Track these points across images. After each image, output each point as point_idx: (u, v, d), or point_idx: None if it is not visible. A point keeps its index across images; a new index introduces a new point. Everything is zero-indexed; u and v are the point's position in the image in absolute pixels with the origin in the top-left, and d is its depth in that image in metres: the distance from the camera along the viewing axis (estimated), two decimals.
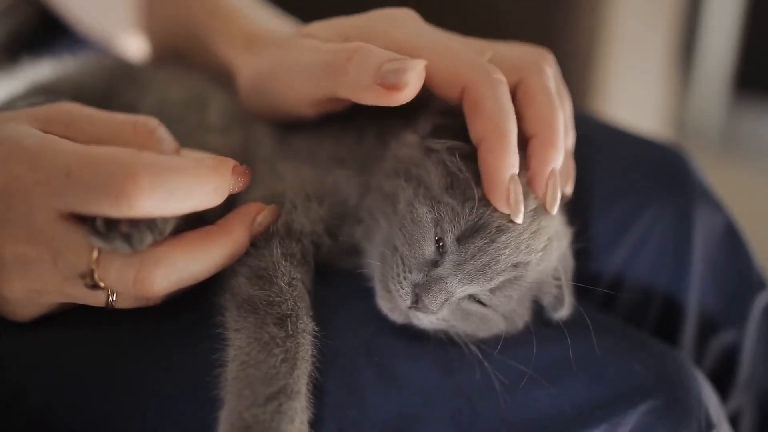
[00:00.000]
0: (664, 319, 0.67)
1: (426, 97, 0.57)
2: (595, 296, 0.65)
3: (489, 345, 0.53)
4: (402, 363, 0.52)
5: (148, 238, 0.47)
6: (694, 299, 0.66)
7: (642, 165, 0.68)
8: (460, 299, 0.52)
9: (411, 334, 0.53)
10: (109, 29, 0.86)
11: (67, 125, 0.51)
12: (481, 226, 0.51)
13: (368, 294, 0.54)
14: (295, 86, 0.56)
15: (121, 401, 0.49)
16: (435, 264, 0.51)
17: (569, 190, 0.57)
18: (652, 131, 1.05)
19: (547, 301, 0.56)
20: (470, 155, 0.53)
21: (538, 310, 0.56)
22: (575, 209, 0.59)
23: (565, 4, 1.21)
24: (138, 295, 0.48)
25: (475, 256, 0.50)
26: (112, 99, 0.66)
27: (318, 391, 0.49)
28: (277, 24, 0.70)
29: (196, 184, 0.47)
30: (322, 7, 0.66)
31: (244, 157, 0.59)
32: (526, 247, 0.52)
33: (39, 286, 0.49)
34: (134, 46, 0.83)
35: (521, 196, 0.50)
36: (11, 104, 0.63)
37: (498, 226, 0.51)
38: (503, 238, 0.51)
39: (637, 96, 1.53)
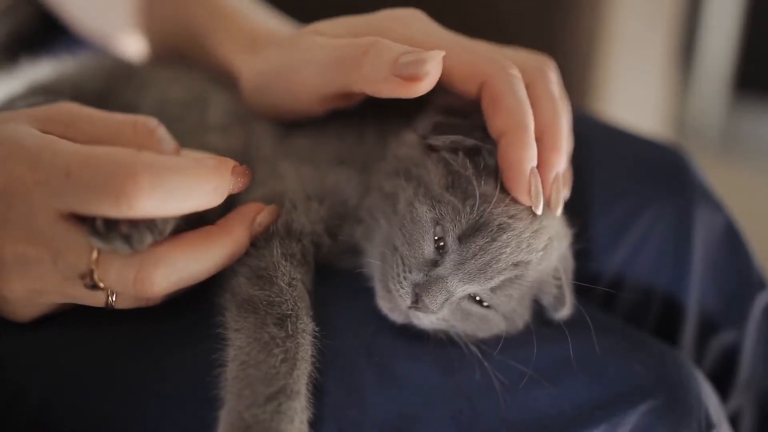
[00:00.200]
0: (664, 319, 0.67)
1: (427, 96, 0.57)
2: (595, 296, 0.65)
3: (489, 345, 0.53)
4: (402, 363, 0.52)
5: (148, 239, 0.47)
6: (694, 299, 0.66)
7: (642, 165, 0.68)
8: (460, 299, 0.52)
9: (411, 334, 0.53)
10: (109, 30, 0.86)
11: (67, 125, 0.51)
12: (482, 225, 0.51)
13: (368, 294, 0.54)
14: (307, 83, 0.56)
15: (121, 401, 0.48)
16: (435, 264, 0.51)
17: (566, 194, 0.57)
18: (652, 131, 1.05)
19: (547, 300, 0.56)
20: (472, 152, 0.53)
21: (539, 310, 0.56)
22: (575, 209, 0.59)
23: (565, 4, 1.21)
24: (138, 295, 0.48)
25: (476, 255, 0.50)
26: (112, 99, 0.66)
27: (318, 391, 0.49)
28: (276, 24, 0.70)
29: (196, 184, 0.47)
30: (322, 8, 0.66)
31: (244, 156, 0.59)
32: (527, 246, 0.52)
33: (39, 286, 0.49)
34: (134, 46, 0.83)
35: (541, 188, 0.51)
36: (11, 104, 0.63)
37: (499, 225, 0.51)
38: (504, 236, 0.51)
39: (637, 96, 1.53)
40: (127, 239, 0.46)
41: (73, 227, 0.47)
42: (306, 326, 0.50)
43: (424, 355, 0.52)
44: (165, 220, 0.47)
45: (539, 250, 0.52)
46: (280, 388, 0.46)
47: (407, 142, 0.56)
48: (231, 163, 0.49)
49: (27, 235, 0.47)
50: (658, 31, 1.55)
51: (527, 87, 0.54)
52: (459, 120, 0.54)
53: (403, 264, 0.52)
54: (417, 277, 0.51)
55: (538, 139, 0.53)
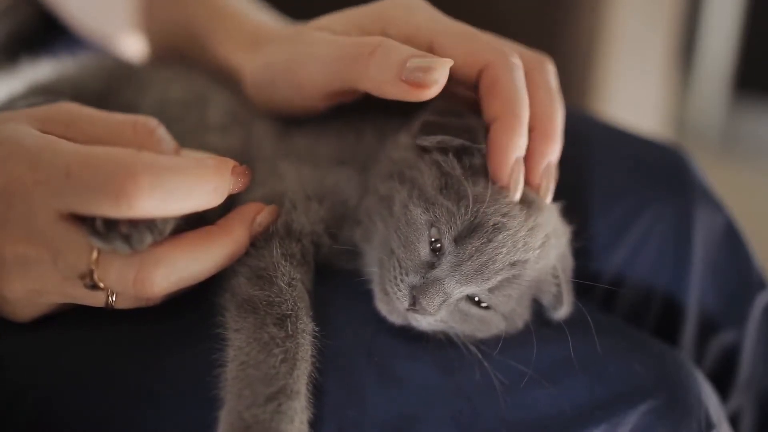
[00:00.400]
0: (664, 319, 0.67)
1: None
2: (595, 296, 0.65)
3: (489, 345, 0.53)
4: (402, 363, 0.52)
5: (148, 239, 0.47)
6: (694, 299, 0.66)
7: (642, 165, 0.68)
8: (458, 300, 0.52)
9: (411, 334, 0.53)
10: (109, 30, 0.86)
11: (67, 125, 0.51)
12: (477, 226, 0.51)
13: (368, 294, 0.54)
14: (312, 78, 0.56)
15: (121, 401, 0.48)
16: (432, 266, 0.51)
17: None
18: (652, 131, 1.05)
19: (546, 300, 0.56)
20: (460, 152, 0.53)
21: (539, 310, 0.56)
22: (575, 209, 0.59)
23: (565, 4, 1.21)
24: (138, 295, 0.48)
25: (472, 256, 0.50)
26: (112, 99, 0.66)
27: (318, 391, 0.49)
28: (276, 24, 0.70)
29: (196, 185, 0.47)
30: (322, 8, 0.65)
31: (243, 156, 0.59)
32: (524, 245, 0.52)
33: (39, 286, 0.49)
34: (134, 46, 0.83)
35: (521, 178, 0.52)
36: (11, 104, 0.63)
37: (494, 224, 0.51)
38: (500, 236, 0.51)
39: (637, 96, 1.53)
40: (127, 239, 0.46)
41: (73, 227, 0.47)
42: (306, 326, 0.50)
43: (424, 355, 0.52)
44: (165, 220, 0.47)
45: (536, 248, 0.52)
46: (280, 388, 0.46)
47: (401, 145, 0.56)
48: (231, 163, 0.49)
49: (27, 235, 0.47)
50: (658, 31, 1.55)
51: (525, 75, 0.54)
52: (451, 120, 0.54)
53: (400, 266, 0.52)
54: (414, 279, 0.51)
55: (532, 128, 0.53)
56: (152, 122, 0.50)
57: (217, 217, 0.52)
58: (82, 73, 0.69)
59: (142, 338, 0.51)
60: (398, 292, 0.51)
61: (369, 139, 0.61)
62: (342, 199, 0.58)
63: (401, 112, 0.59)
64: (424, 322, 0.52)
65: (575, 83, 1.23)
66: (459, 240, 0.51)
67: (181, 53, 0.75)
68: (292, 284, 0.52)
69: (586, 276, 0.59)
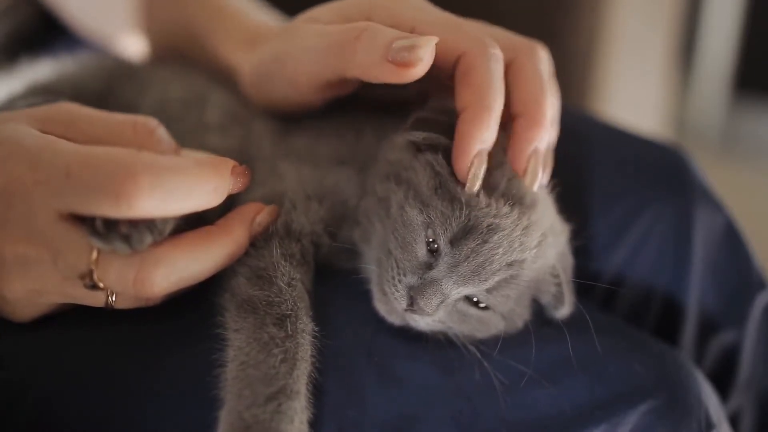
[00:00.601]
0: (664, 319, 0.67)
1: (426, 97, 0.57)
2: (595, 296, 0.65)
3: (488, 345, 0.53)
4: (402, 363, 0.52)
5: (148, 239, 0.47)
6: (694, 299, 0.66)
7: (642, 165, 0.68)
8: (456, 301, 0.52)
9: (411, 334, 0.53)
10: (109, 30, 0.86)
11: (67, 125, 0.51)
12: (471, 227, 0.51)
13: (368, 294, 0.54)
14: (303, 70, 0.56)
15: (121, 401, 0.48)
16: (429, 266, 0.51)
17: (546, 179, 0.56)
18: (652, 131, 1.05)
19: (546, 299, 0.56)
20: (449, 151, 0.53)
21: (539, 310, 0.56)
22: (575, 209, 0.59)
23: (565, 4, 1.21)
24: (138, 295, 0.48)
25: (468, 257, 0.50)
26: (112, 99, 0.66)
27: (318, 391, 0.49)
28: (275, 23, 0.70)
29: (196, 185, 0.47)
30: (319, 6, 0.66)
31: (243, 156, 0.59)
32: (520, 245, 0.51)
33: (39, 286, 0.49)
34: (134, 46, 0.83)
35: (480, 173, 0.50)
36: (11, 104, 0.63)
37: (488, 226, 0.51)
38: (495, 237, 0.51)
39: (637, 96, 1.53)
40: (126, 239, 0.46)
41: (73, 227, 0.47)
42: (306, 326, 0.50)
43: (424, 355, 0.52)
44: (165, 220, 0.47)
45: (532, 247, 0.52)
46: (280, 388, 0.46)
47: (397, 145, 0.56)
48: (231, 163, 0.49)
49: (27, 235, 0.47)
50: (658, 31, 1.55)
51: (512, 62, 0.54)
52: (442, 117, 0.54)
53: (398, 267, 0.52)
54: (411, 280, 0.51)
55: (518, 114, 0.53)
56: (152, 122, 0.50)
57: (217, 217, 0.52)
58: (82, 73, 0.69)
59: (142, 338, 0.51)
60: (396, 293, 0.51)
61: (369, 139, 0.61)
62: (342, 199, 0.58)
63: (401, 112, 0.59)
64: (423, 322, 0.52)
65: (575, 83, 1.23)
66: (455, 241, 0.51)
67: (181, 53, 0.75)
68: (291, 284, 0.51)
69: (586, 276, 0.59)
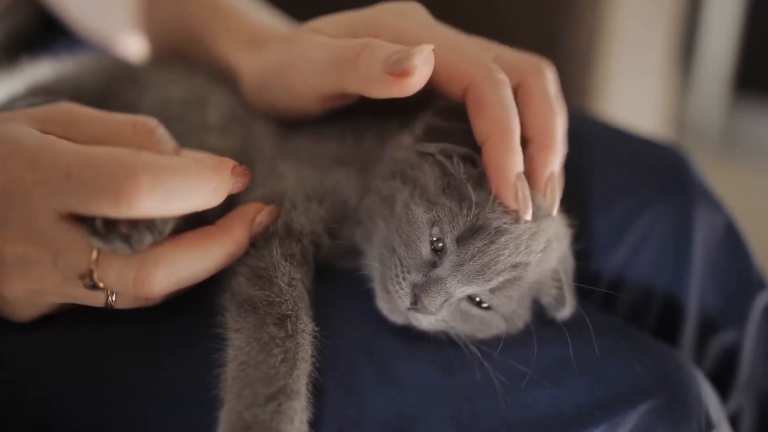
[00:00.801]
0: (664, 319, 0.67)
1: (426, 98, 0.57)
2: (595, 296, 0.65)
3: (489, 345, 0.53)
4: (402, 363, 0.52)
5: (148, 239, 0.47)
6: (694, 299, 0.66)
7: (642, 165, 0.68)
8: (459, 300, 0.52)
9: (411, 334, 0.53)
10: (109, 30, 0.86)
11: (67, 125, 0.51)
12: (479, 228, 0.51)
13: (368, 294, 0.54)
14: (304, 81, 0.56)
15: (121, 401, 0.48)
16: (434, 265, 0.51)
17: (559, 195, 0.56)
18: (652, 131, 1.05)
19: (547, 301, 0.56)
20: (466, 158, 0.53)
21: (539, 311, 0.56)
22: (575, 209, 0.59)
23: (565, 4, 1.21)
24: (138, 295, 0.48)
25: (474, 257, 0.50)
26: (112, 99, 0.66)
27: (318, 391, 0.49)
28: (276, 23, 0.70)
29: (196, 185, 0.47)
30: (319, 6, 0.66)
31: (243, 156, 0.59)
32: (526, 248, 0.51)
33: (39, 286, 0.49)
34: (134, 46, 0.83)
35: (528, 193, 0.51)
36: (11, 104, 0.63)
37: (497, 228, 0.51)
38: (503, 239, 0.51)
39: (637, 96, 1.53)
40: (126, 239, 0.46)
41: (73, 227, 0.47)
42: (306, 326, 0.50)
43: (424, 355, 0.52)
44: (165, 220, 0.47)
45: (538, 251, 0.52)
46: (280, 388, 0.46)
47: (403, 145, 0.56)
48: (231, 163, 0.49)
49: (27, 235, 0.47)
50: (658, 31, 1.55)
51: (520, 86, 0.54)
52: (453, 123, 0.54)
53: (402, 265, 0.52)
54: (416, 277, 0.51)
55: (531, 138, 0.53)
56: (152, 122, 0.50)
57: (217, 217, 0.52)
58: (82, 73, 0.69)
59: (142, 338, 0.51)
60: (400, 291, 0.51)
61: (368, 140, 0.61)
62: (342, 199, 0.58)
63: (401, 113, 0.59)
64: (425, 321, 0.52)
65: (575, 83, 1.23)
66: (461, 240, 0.51)
67: (181, 53, 0.75)
68: (292, 284, 0.52)
69: (587, 276, 0.59)
